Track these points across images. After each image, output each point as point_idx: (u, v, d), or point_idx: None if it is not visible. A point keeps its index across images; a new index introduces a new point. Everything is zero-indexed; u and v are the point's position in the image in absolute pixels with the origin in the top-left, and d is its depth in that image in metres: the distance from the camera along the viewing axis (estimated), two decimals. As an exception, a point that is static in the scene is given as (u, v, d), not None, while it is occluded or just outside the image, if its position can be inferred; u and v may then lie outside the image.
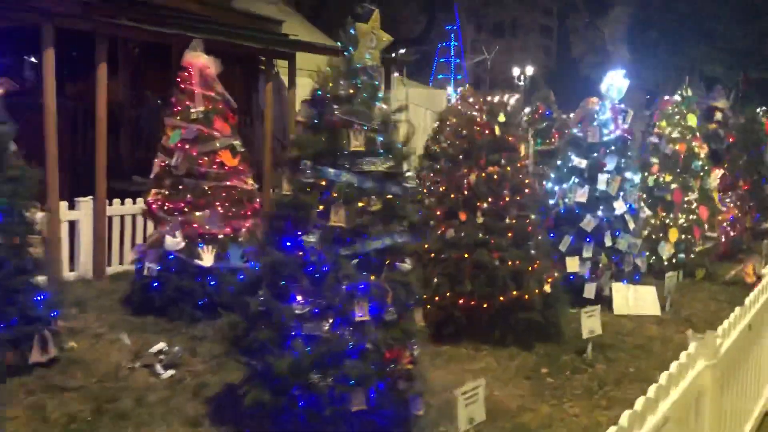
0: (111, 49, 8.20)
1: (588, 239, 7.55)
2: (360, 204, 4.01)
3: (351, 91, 4.07)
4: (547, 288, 5.99)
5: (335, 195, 3.96)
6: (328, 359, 3.88)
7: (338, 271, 3.92)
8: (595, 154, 7.70)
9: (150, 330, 6.21)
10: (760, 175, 14.22)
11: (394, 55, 26.16)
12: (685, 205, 9.27)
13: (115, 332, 6.09)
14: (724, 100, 12.24)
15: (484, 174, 6.12)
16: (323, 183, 4.02)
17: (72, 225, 7.80)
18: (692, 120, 9.31)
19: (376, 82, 4.20)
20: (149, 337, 5.96)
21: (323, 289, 3.92)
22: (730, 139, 12.01)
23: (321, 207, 3.98)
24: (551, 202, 7.85)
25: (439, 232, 6.19)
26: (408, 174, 4.23)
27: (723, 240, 10.67)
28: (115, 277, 7.96)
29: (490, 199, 6.06)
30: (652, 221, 9.36)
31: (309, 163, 4.01)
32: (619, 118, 7.67)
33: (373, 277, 4.02)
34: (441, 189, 6.46)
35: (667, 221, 9.25)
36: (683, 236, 9.17)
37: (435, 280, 6.10)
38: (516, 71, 50.14)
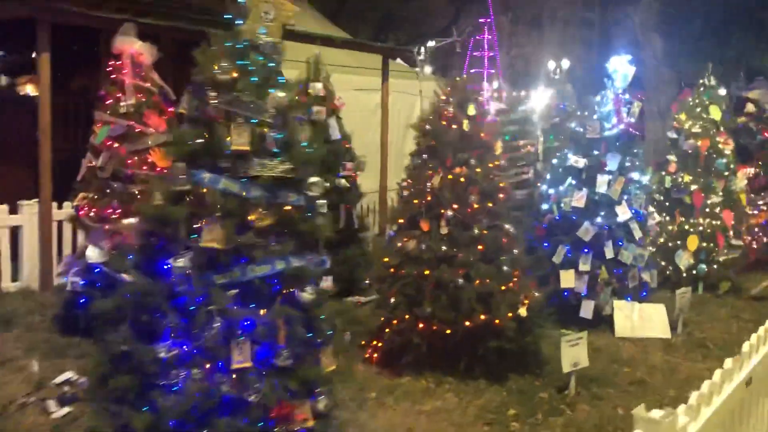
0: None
1: (586, 250, 6.57)
2: (245, 218, 3.16)
3: (234, 74, 3.22)
4: (523, 311, 5.05)
5: (210, 207, 3.12)
6: (199, 417, 3.05)
7: (212, 305, 3.09)
8: (596, 152, 6.70)
9: (71, 354, 5.46)
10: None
11: (422, 48, 25.28)
12: (707, 209, 8.17)
13: (30, 356, 5.37)
14: (758, 91, 11.03)
15: (450, 176, 5.20)
16: (200, 191, 3.18)
17: (14, 231, 7.14)
18: (715, 112, 8.20)
19: (272, 64, 3.35)
20: (65, 363, 5.22)
21: (193, 327, 3.09)
22: (766, 134, 10.78)
23: (194, 222, 3.15)
24: (545, 206, 6.88)
25: (400, 244, 5.30)
26: (313, 181, 3.36)
27: (753, 248, 9.54)
28: (63, 289, 7.27)
29: (455, 206, 5.14)
30: (670, 227, 8.29)
31: (180, 166, 3.18)
32: (624, 110, 6.65)
33: (263, 312, 3.18)
34: (404, 193, 5.56)
35: (686, 227, 8.18)
36: (704, 244, 8.08)
37: (392, 300, 5.23)
38: (552, 65, 48.91)
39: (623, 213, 6.60)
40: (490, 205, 5.20)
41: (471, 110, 5.26)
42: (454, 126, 5.26)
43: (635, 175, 6.73)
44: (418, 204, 5.30)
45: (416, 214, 5.29)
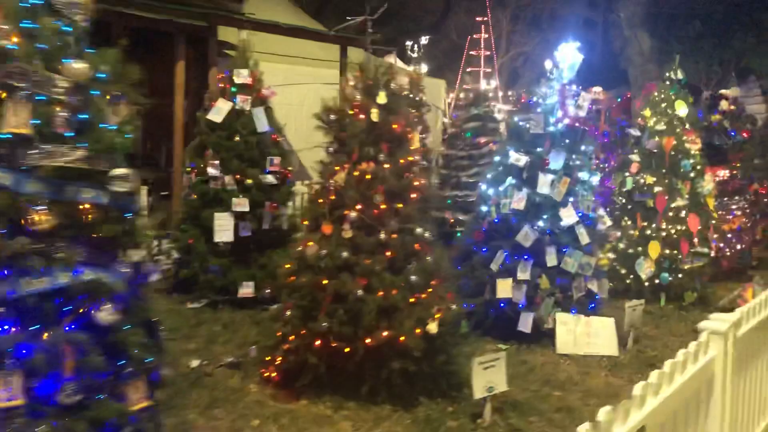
0: None
1: (526, 257, 5.93)
2: (19, 219, 2.53)
3: (14, 39, 2.59)
4: (433, 327, 4.41)
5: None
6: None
7: (-29, 327, 2.45)
8: (539, 150, 6.06)
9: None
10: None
11: (414, 46, 24.60)
12: (671, 213, 7.54)
13: None
14: (736, 88, 10.38)
15: (356, 172, 4.56)
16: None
17: None
18: (681, 108, 7.56)
19: (70, 28, 2.71)
20: None
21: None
22: (745, 135, 10.14)
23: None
24: (484, 208, 6.24)
25: (300, 248, 4.67)
26: (119, 173, 2.72)
27: (727, 254, 8.91)
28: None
29: (359, 207, 4.50)
30: (631, 232, 7.66)
31: (-58, 153, 2.55)
32: (570, 102, 6.01)
33: (46, 336, 2.55)
34: (312, 192, 4.93)
35: (649, 232, 7.54)
36: (667, 251, 7.45)
37: (288, 313, 4.59)
38: (549, 65, 48.26)
39: (568, 216, 5.96)
40: (400, 205, 4.56)
41: (381, 98, 4.61)
42: (362, 116, 4.62)
43: (582, 175, 6.10)
44: (321, 204, 4.66)
45: (319, 215, 4.65)
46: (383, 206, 4.50)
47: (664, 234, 7.46)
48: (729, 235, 8.90)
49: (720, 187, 8.87)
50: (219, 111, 6.72)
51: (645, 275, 7.44)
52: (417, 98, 8.49)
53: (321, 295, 4.44)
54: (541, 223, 5.93)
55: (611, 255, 7.79)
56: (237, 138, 6.67)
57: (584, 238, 6.01)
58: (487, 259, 6.06)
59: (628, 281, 7.61)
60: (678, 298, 7.48)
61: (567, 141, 6.01)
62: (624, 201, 7.72)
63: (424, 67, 27.41)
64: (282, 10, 14.65)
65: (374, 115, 4.59)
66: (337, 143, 4.72)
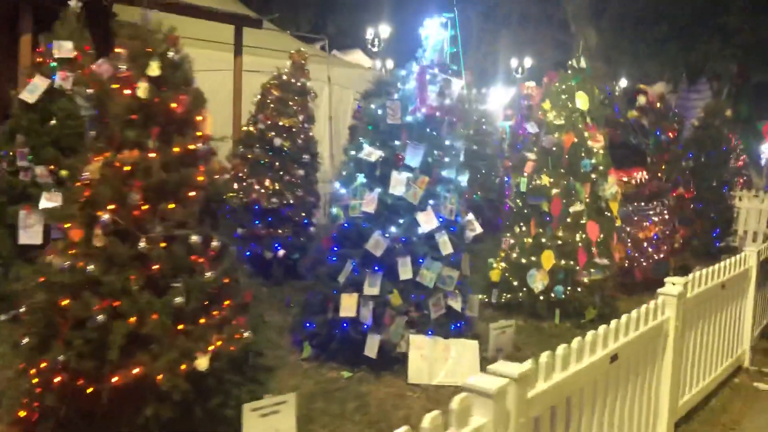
0: None
1: (376, 268, 5.02)
2: None
3: None
4: (202, 363, 3.46)
5: None
6: None
7: None
8: (397, 142, 5.14)
9: None
10: (722, 181, 11.67)
11: (375, 40, 23.62)
12: (568, 219, 6.69)
13: None
14: (661, 84, 9.61)
15: (117, 163, 3.58)
16: None
17: None
18: (583, 102, 6.70)
19: None
20: None
21: None
22: (670, 134, 9.36)
23: None
24: (334, 211, 5.31)
25: (47, 258, 3.68)
26: None
27: (643, 264, 8.11)
28: None
29: (112, 206, 3.53)
30: (526, 239, 6.80)
31: None
32: (432, 88, 5.10)
33: None
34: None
35: (543, 240, 6.69)
36: (563, 262, 6.60)
37: (25, 341, 3.61)
38: (514, 63, 47.60)
39: (427, 222, 5.06)
40: (171, 206, 3.60)
41: (153, 69, 3.64)
42: (126, 91, 3.64)
43: (447, 174, 5.20)
44: (74, 203, 3.68)
45: (68, 217, 3.67)
46: (144, 207, 3.53)
47: (559, 242, 6.61)
48: (645, 244, 8.11)
49: (635, 191, 8.07)
50: (34, 89, 5.68)
51: (537, 288, 6.58)
52: (298, 83, 7.50)
53: (56, 320, 3.46)
54: (394, 229, 5.02)
55: (503, 265, 6.95)
56: (53, 122, 5.64)
57: (446, 247, 5.11)
58: (335, 270, 5.14)
59: (520, 295, 6.76)
60: (578, 314, 6.65)
61: (425, 133, 5.10)
62: (520, 205, 6.86)
63: (389, 63, 26.46)
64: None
65: (142, 90, 3.61)
66: (98, 125, 3.73)
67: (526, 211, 6.87)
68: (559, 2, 23.73)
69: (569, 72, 6.88)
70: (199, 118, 3.83)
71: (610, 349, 3.28)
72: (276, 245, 7.20)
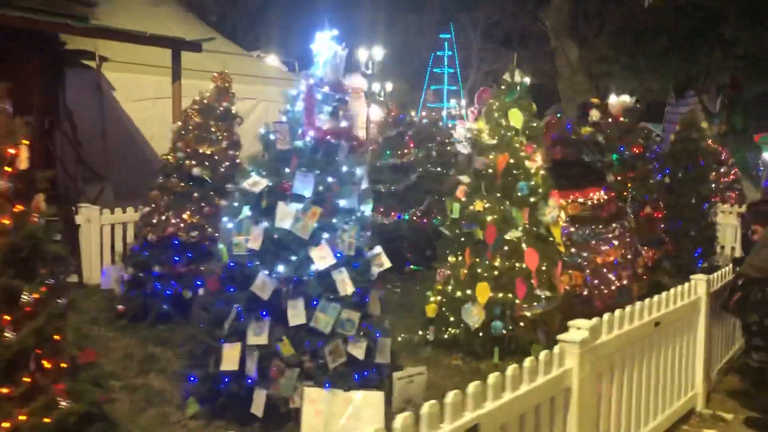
0: None
1: (263, 313, 4.46)
2: None
3: None
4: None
5: None
6: None
7: None
8: (287, 170, 4.61)
9: None
10: (702, 197, 11.04)
11: (369, 63, 23.30)
12: (506, 247, 6.11)
13: None
14: (626, 97, 9.04)
15: None
16: None
17: None
18: (516, 119, 6.15)
19: None
20: None
21: None
22: (636, 150, 8.77)
23: None
24: (220, 248, 4.76)
25: None
26: None
27: (604, 292, 7.50)
28: None
29: None
30: (461, 270, 6.22)
31: None
32: (325, 109, 4.57)
33: None
34: None
35: (479, 270, 6.11)
36: (500, 294, 6.01)
37: None
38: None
39: (321, 258, 4.50)
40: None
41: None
42: None
43: (345, 203, 4.65)
44: None
45: None
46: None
47: (496, 273, 6.02)
48: (605, 270, 7.49)
49: (592, 213, 7.48)
50: None
51: (474, 324, 5.99)
52: (221, 107, 7.00)
53: None
54: (282, 268, 4.47)
55: (438, 298, 6.37)
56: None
57: (345, 286, 4.54)
58: (220, 317, 4.58)
59: (457, 332, 6.16)
60: (523, 352, 6.02)
61: (319, 159, 4.57)
62: (456, 232, 6.29)
63: (389, 86, 26.02)
64: (170, 16, 13.35)
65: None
66: None
67: (463, 239, 6.30)
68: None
69: (503, 87, 6.33)
70: (11, 151, 3.31)
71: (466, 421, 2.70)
72: (197, 282, 6.65)
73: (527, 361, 3.29)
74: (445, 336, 6.32)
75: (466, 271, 6.13)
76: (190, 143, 6.89)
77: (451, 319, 6.20)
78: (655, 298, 4.53)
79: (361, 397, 4.48)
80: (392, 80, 25.43)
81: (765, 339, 5.11)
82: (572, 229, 7.45)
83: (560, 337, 3.51)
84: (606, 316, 3.87)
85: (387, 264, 4.88)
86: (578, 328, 3.55)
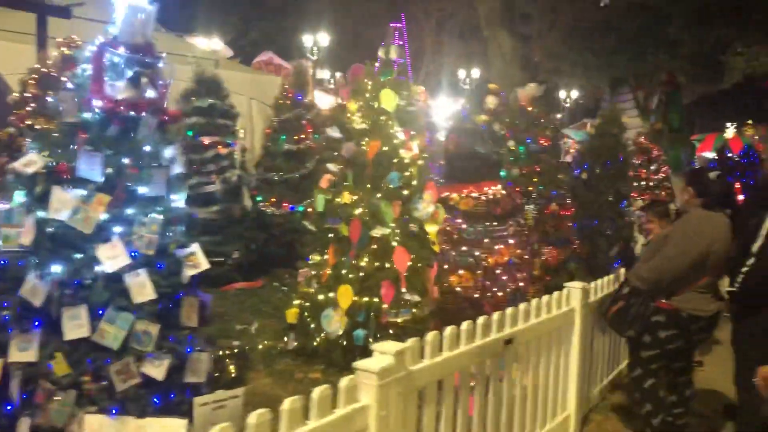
0: None
1: (37, 322, 3.63)
2: None
3: None
4: None
5: None
6: None
7: None
8: (73, 147, 3.77)
9: None
10: (621, 195, 10.55)
11: (313, 48, 22.32)
12: (375, 246, 5.39)
13: None
14: (533, 85, 8.43)
15: None
16: None
17: None
18: (388, 101, 5.42)
19: None
20: None
21: None
22: (543, 143, 8.18)
23: None
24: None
25: None
26: None
27: (498, 295, 6.87)
28: None
29: None
30: (323, 271, 5.47)
31: None
32: (110, 76, 3.74)
33: None
34: None
35: (343, 272, 5.37)
36: (365, 299, 5.29)
37: None
38: (462, 74, 46.90)
39: (111, 258, 3.68)
40: None
41: None
42: None
43: (145, 191, 3.84)
44: None
45: None
46: None
47: (361, 274, 5.30)
48: (498, 271, 6.86)
49: (486, 209, 6.82)
50: None
51: (334, 332, 5.26)
52: (63, 79, 6.08)
53: None
54: (59, 269, 3.63)
55: (301, 302, 5.62)
56: None
57: (142, 291, 3.73)
58: (-8, 325, 3.72)
59: (318, 340, 5.43)
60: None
61: (111, 135, 3.74)
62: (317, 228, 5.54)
63: (325, 73, 25.09)
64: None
65: None
66: None
67: (331, 235, 5.55)
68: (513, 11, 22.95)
69: (376, 65, 5.59)
70: None
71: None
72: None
73: (316, 393, 2.56)
74: (313, 344, 5.59)
75: (329, 272, 5.39)
76: (24, 117, 5.96)
77: (312, 325, 5.46)
78: (509, 310, 3.86)
79: (158, 426, 3.71)
80: (341, 69, 24.65)
81: (636, 356, 4.53)
82: (464, 226, 6.80)
83: (356, 364, 2.79)
84: (430, 335, 3.16)
85: (204, 265, 4.08)
86: (382, 353, 2.84)
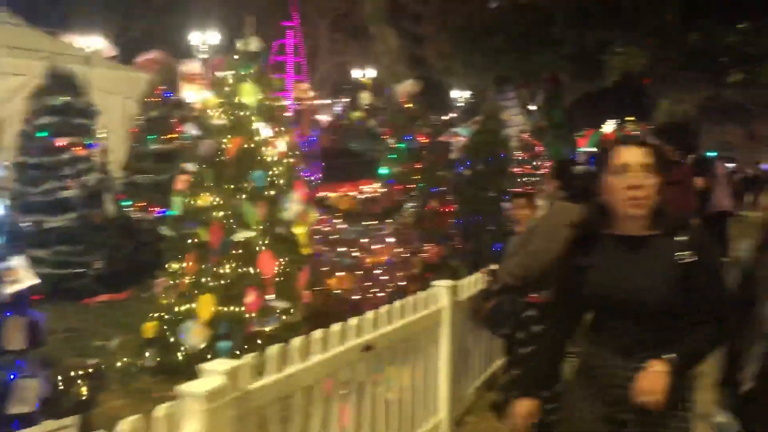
0: None
1: None
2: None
3: None
4: None
5: None
6: None
7: None
8: None
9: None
10: (503, 191, 10.65)
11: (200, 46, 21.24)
12: (240, 250, 5.04)
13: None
14: (412, 82, 8.32)
15: None
16: None
17: None
18: (248, 95, 5.08)
19: None
20: None
21: None
22: (422, 139, 8.07)
23: None
24: None
25: None
26: None
27: (379, 296, 6.67)
28: None
29: None
30: (182, 281, 5.07)
31: None
32: None
33: None
34: None
35: (205, 279, 4.99)
36: (228, 308, 4.93)
37: None
38: (359, 73, 46.90)
39: None
40: None
41: None
42: None
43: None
44: None
45: None
46: None
47: (223, 282, 4.94)
48: (378, 272, 6.67)
49: (363, 208, 6.62)
50: None
51: (195, 345, 4.87)
52: None
53: None
54: None
55: (186, 322, 5.18)
56: None
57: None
58: None
59: (179, 356, 5.02)
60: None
61: None
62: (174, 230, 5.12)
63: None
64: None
65: None
66: None
67: (190, 241, 5.15)
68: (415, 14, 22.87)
69: (235, 57, 5.24)
70: None
71: None
72: None
73: (125, 426, 2.21)
74: (174, 359, 5.17)
75: (188, 281, 5.00)
76: None
77: (172, 339, 5.04)
78: (370, 314, 3.64)
79: (-30, 468, 3.22)
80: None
81: (512, 354, 4.44)
82: (344, 226, 6.57)
83: (179, 387, 2.47)
84: (274, 347, 2.88)
85: (29, 280, 3.60)
86: (210, 372, 2.53)
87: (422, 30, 23.60)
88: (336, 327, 3.33)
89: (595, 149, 20.14)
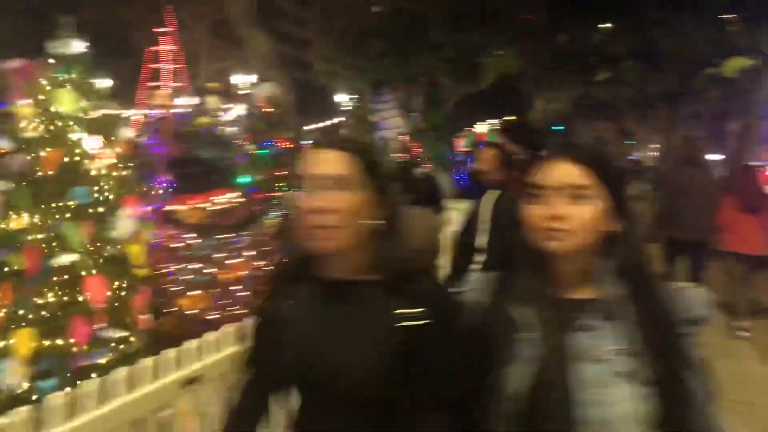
0: None
1: None
2: None
3: None
4: None
5: None
6: None
7: None
8: None
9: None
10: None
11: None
12: (66, 276, 4.51)
13: None
14: (272, 84, 7.98)
15: None
16: None
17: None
18: (66, 102, 4.57)
19: None
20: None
21: None
22: (282, 144, 7.74)
23: None
24: None
25: None
26: None
27: (243, 313, 6.26)
28: None
29: None
30: (6, 314, 4.47)
31: None
32: None
33: None
34: None
35: (25, 313, 4.42)
36: (51, 342, 4.39)
37: None
38: (239, 79, 45.63)
39: None
40: None
41: None
42: None
43: None
44: None
45: None
46: None
47: (44, 313, 4.40)
48: (234, 288, 6.28)
49: (215, 221, 6.21)
50: None
51: (15, 387, 4.30)
52: None
53: None
54: None
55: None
56: None
57: None
58: None
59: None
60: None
61: None
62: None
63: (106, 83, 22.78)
64: None
65: None
66: None
67: (4, 269, 4.55)
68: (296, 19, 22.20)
69: (51, 60, 4.70)
70: None
71: None
72: None
73: None
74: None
75: (2, 314, 4.41)
76: None
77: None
78: (194, 342, 3.28)
79: None
80: (106, 76, 22.57)
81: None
82: (192, 242, 6.12)
83: None
84: (52, 397, 2.47)
85: None
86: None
87: (305, 34, 23.36)
88: (148, 361, 2.95)
89: (471, 148, 20.59)
